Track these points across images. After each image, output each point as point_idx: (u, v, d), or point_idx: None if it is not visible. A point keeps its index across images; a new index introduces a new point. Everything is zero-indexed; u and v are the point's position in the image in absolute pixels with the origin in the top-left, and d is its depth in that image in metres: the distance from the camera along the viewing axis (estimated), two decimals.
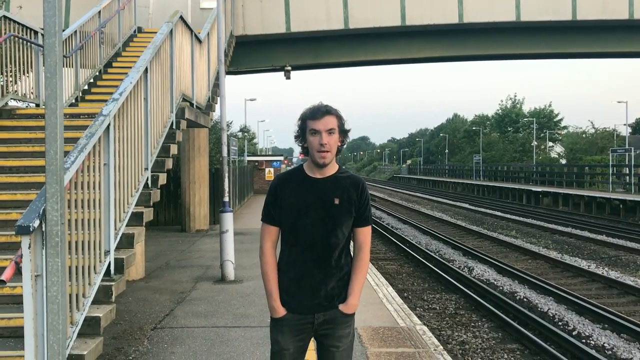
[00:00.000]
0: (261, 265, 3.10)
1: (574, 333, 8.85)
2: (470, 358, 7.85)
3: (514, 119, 70.61)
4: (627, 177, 32.97)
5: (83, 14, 15.13)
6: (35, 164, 6.64)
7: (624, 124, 42.72)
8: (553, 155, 59.84)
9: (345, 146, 3.14)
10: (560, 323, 9.39)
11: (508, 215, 27.10)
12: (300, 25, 18.21)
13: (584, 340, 8.46)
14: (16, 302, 4.76)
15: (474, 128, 74.49)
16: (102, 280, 4.75)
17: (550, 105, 69.20)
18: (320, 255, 3.01)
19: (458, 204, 35.40)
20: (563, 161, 52.38)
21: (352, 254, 3.16)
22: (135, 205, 5.82)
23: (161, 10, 16.13)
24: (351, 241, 3.16)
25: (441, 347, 5.98)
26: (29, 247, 3.54)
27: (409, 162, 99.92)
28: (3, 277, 3.42)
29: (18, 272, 3.59)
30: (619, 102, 40.16)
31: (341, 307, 3.05)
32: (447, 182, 59.83)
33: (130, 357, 5.55)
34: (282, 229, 3.09)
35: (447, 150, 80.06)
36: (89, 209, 4.47)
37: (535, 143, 56.24)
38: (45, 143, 3.57)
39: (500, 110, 74.11)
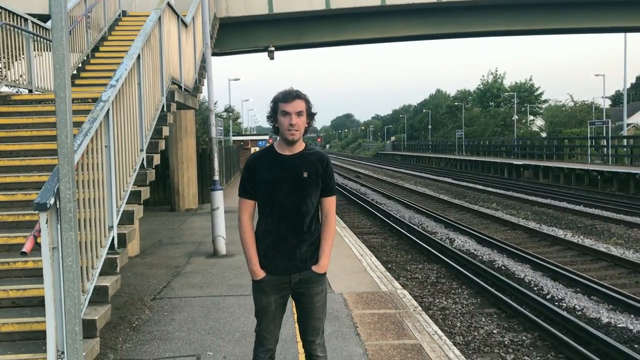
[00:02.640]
0: (240, 235, 3.48)
1: (547, 297, 9.39)
2: (450, 322, 8.30)
3: (495, 93, 71.08)
4: (605, 148, 33.69)
5: None
6: (34, 147, 6.97)
7: (602, 97, 43.38)
8: (534, 129, 60.58)
9: (310, 127, 3.49)
10: (535, 288, 9.93)
11: (489, 189, 27.63)
12: (282, 6, 18.45)
13: (556, 303, 9.01)
14: (28, 275, 5.16)
15: (456, 103, 74.94)
16: (107, 254, 5.15)
17: (530, 80, 69.77)
18: (293, 223, 3.38)
19: (441, 178, 35.96)
20: (544, 134, 53.06)
21: (320, 221, 3.54)
22: (133, 185, 6.20)
23: None
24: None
25: (420, 308, 6.50)
26: (46, 222, 3.94)
27: (393, 138, 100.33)
28: (25, 249, 3.83)
29: (36, 245, 3.99)
30: (596, 75, 40.77)
31: (314, 267, 3.44)
32: (431, 158, 60.45)
33: (134, 325, 6.00)
34: (258, 201, 3.45)
35: (430, 126, 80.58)
36: (93, 188, 4.85)
37: (516, 117, 56.88)
38: (57, 128, 3.94)
39: (481, 85, 74.49)
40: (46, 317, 3.99)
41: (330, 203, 3.52)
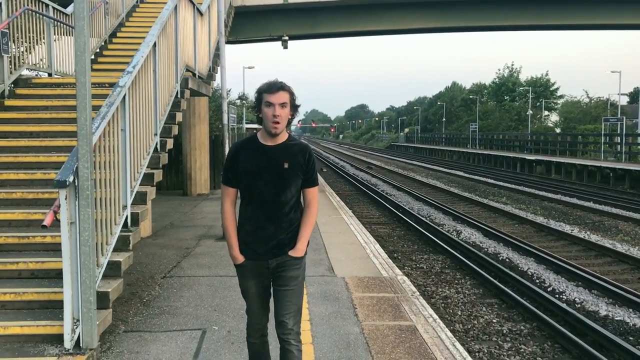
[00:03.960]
0: (222, 221, 3.61)
1: (549, 289, 9.55)
2: (451, 310, 8.51)
3: (510, 87, 70.64)
4: (619, 146, 33.54)
5: None
6: (54, 129, 7.27)
7: (618, 94, 43.07)
8: (549, 124, 60.26)
9: (294, 118, 3.53)
10: (537, 281, 10.08)
11: (501, 183, 27.62)
12: None
13: (557, 296, 9.18)
14: (46, 249, 5.47)
15: (471, 97, 74.62)
16: (121, 231, 5.44)
17: (547, 74, 69.27)
18: (271, 212, 3.44)
19: (453, 171, 35.94)
20: (558, 130, 52.81)
21: (301, 209, 3.59)
22: (147, 167, 6.48)
23: None
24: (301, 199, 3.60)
25: (417, 293, 6.74)
26: (65, 199, 4.22)
27: (406, 130, 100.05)
28: (45, 223, 4.12)
29: (55, 220, 4.27)
30: (612, 71, 40.44)
31: (290, 252, 3.49)
32: (444, 151, 60.29)
33: (145, 300, 6.31)
34: (239, 189, 3.52)
35: (444, 119, 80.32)
36: (109, 169, 5.12)
37: (531, 112, 56.59)
38: (77, 111, 4.22)
39: (497, 79, 74.05)
40: (63, 287, 4.29)
41: (312, 193, 3.57)
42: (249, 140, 3.55)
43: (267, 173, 3.41)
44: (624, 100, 60.17)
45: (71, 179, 4.23)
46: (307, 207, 3.57)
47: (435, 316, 5.83)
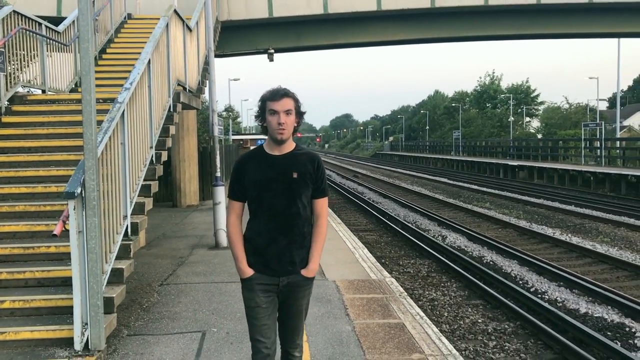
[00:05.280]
0: (227, 235, 3.44)
1: (531, 290, 9.86)
2: (438, 312, 8.78)
3: (492, 95, 71.58)
4: (598, 150, 34.23)
5: (74, 1, 15.82)
6: (51, 144, 7.53)
7: (596, 99, 43.98)
8: (531, 130, 61.08)
9: (299, 126, 3.41)
10: (521, 282, 10.39)
11: (484, 189, 28.01)
12: (282, 10, 19.08)
13: (539, 295, 9.50)
14: (51, 258, 5.73)
15: (453, 105, 75.46)
16: (122, 240, 5.71)
17: (527, 82, 70.28)
18: (283, 224, 3.28)
19: (437, 178, 36.39)
20: (539, 136, 53.60)
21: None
22: (144, 179, 6.76)
23: None
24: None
25: (405, 293, 7.08)
26: (74, 209, 4.50)
27: (391, 139, 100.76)
28: (55, 232, 4.39)
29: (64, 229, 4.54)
30: (590, 78, 41.41)
31: (303, 271, 3.33)
32: (428, 158, 60.91)
33: (144, 306, 6.57)
34: (248, 202, 3.37)
35: (427, 127, 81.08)
36: (110, 181, 5.39)
37: (512, 119, 57.40)
38: (83, 126, 4.51)
39: (479, 87, 74.99)
40: (73, 292, 4.55)
41: (322, 205, 3.42)
42: (255, 151, 3.41)
43: (276, 184, 3.28)
44: (604, 106, 61.34)
45: (79, 190, 4.51)
46: (316, 220, 3.42)
47: (422, 314, 6.16)
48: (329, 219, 14.36)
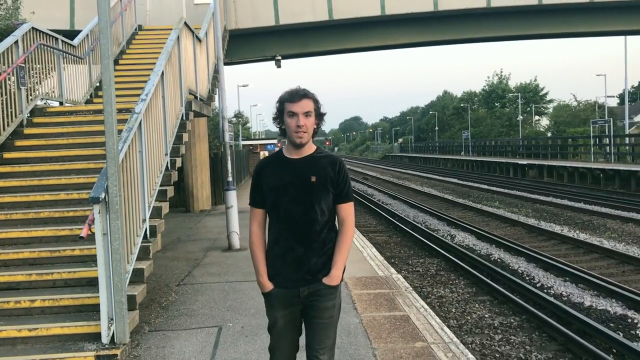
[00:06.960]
0: (249, 245, 3.28)
1: (537, 285, 10.06)
2: (446, 308, 9.02)
3: (500, 94, 71.59)
4: (608, 147, 34.24)
5: (86, 15, 16.33)
6: (70, 153, 7.93)
7: (605, 96, 44.00)
8: (540, 129, 61.04)
9: (320, 128, 3.26)
10: (527, 278, 10.58)
11: (494, 188, 28.10)
12: (288, 18, 19.51)
13: (545, 290, 9.70)
14: (75, 260, 6.10)
15: (462, 105, 75.54)
16: (142, 242, 6.08)
17: (535, 80, 70.16)
18: (300, 231, 3.11)
19: (447, 179, 36.45)
20: (549, 134, 53.58)
21: (336, 230, 3.24)
22: (160, 185, 7.13)
23: (158, 8, 17.26)
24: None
25: (410, 288, 7.39)
26: (99, 213, 4.86)
27: (400, 140, 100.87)
28: (82, 234, 4.75)
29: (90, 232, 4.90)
30: (597, 75, 41.44)
31: (324, 279, 3.13)
32: (438, 159, 60.98)
33: (163, 305, 6.94)
34: (266, 208, 3.21)
35: (437, 128, 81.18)
36: (130, 187, 5.75)
37: (521, 117, 57.41)
38: (105, 136, 4.87)
39: (487, 87, 75.01)
40: (99, 290, 4.92)
41: (347, 210, 3.22)
42: (274, 156, 3.29)
43: (293, 188, 3.12)
44: (615, 102, 61.14)
45: (102, 195, 4.87)
46: (340, 226, 3.23)
47: (427, 307, 6.46)
48: None
